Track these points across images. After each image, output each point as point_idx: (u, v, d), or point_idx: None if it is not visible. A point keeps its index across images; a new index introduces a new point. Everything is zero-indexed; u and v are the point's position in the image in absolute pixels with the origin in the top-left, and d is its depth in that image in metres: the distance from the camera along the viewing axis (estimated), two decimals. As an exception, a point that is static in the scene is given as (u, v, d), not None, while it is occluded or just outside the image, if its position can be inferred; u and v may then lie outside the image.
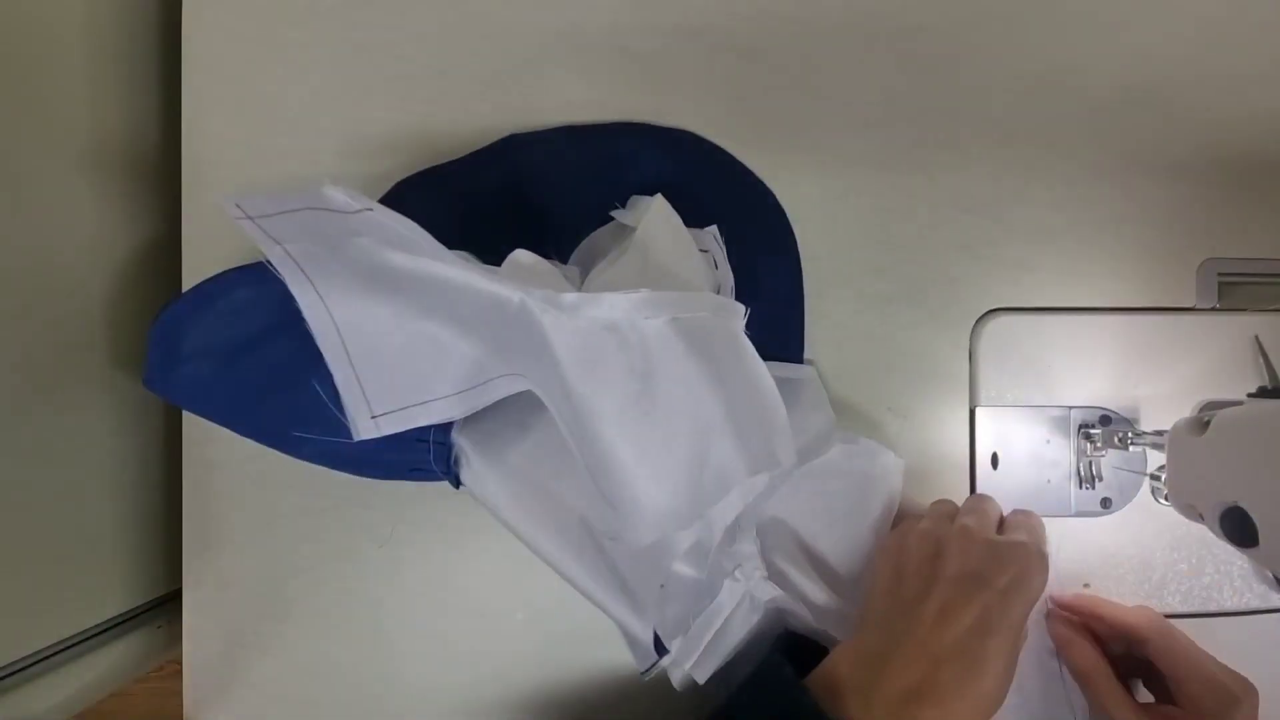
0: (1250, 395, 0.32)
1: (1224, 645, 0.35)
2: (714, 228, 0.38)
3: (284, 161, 0.40)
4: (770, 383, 0.33)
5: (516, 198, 0.39)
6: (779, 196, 0.40)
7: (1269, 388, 0.33)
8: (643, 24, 0.41)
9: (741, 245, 0.39)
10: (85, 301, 0.39)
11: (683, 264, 0.35)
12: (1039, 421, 0.40)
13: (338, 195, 0.26)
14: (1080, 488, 0.40)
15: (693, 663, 0.36)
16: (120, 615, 0.40)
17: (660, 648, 0.36)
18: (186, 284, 0.40)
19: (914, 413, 0.41)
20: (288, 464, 0.36)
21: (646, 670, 0.36)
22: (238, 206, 0.27)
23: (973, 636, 0.30)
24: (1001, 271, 0.41)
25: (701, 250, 0.37)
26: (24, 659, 0.34)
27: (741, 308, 0.33)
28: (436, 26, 0.41)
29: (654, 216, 0.35)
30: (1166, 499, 0.37)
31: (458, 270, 0.29)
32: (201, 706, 0.39)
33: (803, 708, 0.29)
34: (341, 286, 0.29)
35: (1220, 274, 0.41)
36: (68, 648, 0.37)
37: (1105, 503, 0.40)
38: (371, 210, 0.27)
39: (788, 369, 0.39)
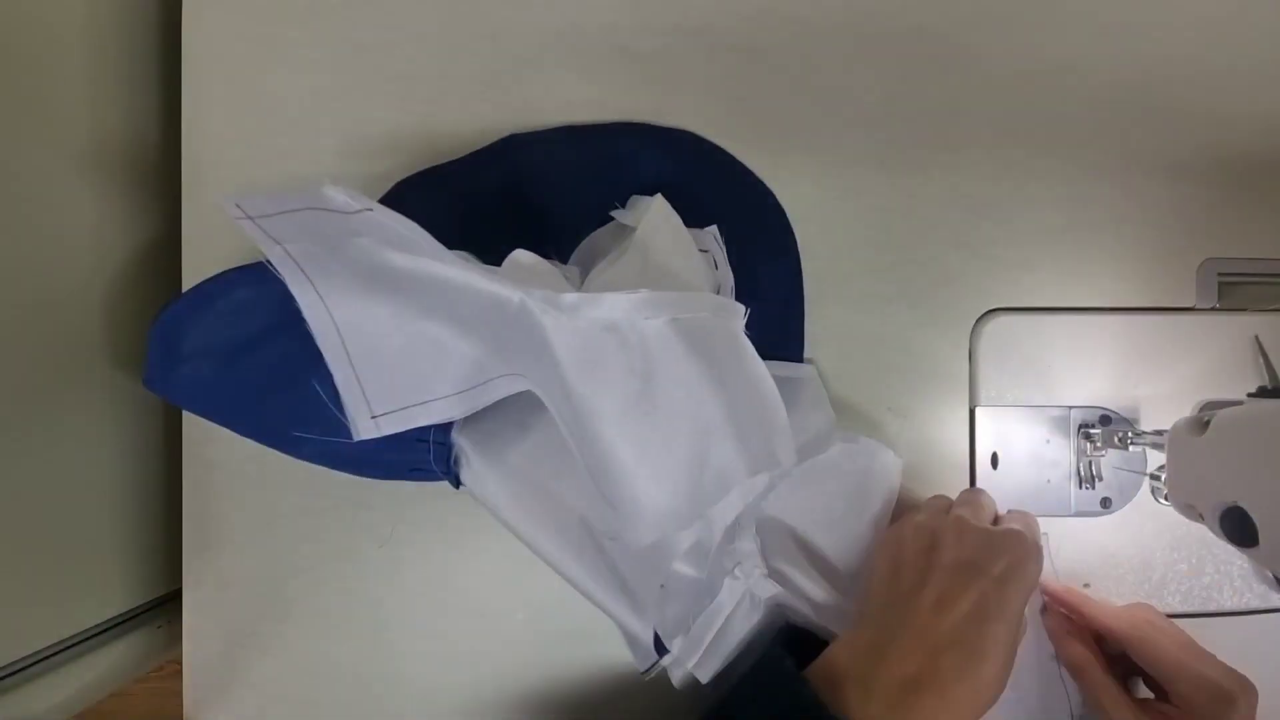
0: (1250, 395, 0.32)
1: (1224, 645, 0.35)
2: (714, 228, 0.38)
3: (284, 161, 0.40)
4: (770, 383, 0.33)
5: (516, 198, 0.39)
6: (779, 196, 0.40)
7: (1269, 388, 0.33)
8: (643, 24, 0.41)
9: (741, 245, 0.39)
10: (85, 301, 0.39)
11: (683, 264, 0.35)
12: (1039, 421, 0.40)
13: (338, 195, 0.26)
14: (1080, 488, 0.40)
15: (695, 662, 0.36)
16: (120, 615, 0.40)
17: (660, 647, 0.36)
18: (186, 284, 0.40)
19: (914, 413, 0.41)
20: (288, 464, 0.36)
21: (647, 670, 0.36)
22: (238, 206, 0.27)
23: (970, 624, 0.30)
24: (1001, 271, 0.41)
25: (701, 250, 0.37)
26: (24, 659, 0.34)
27: (741, 308, 0.33)
28: (436, 26, 0.41)
29: (654, 216, 0.35)
30: (1166, 499, 0.37)
31: (458, 270, 0.29)
32: (201, 706, 0.39)
33: (803, 700, 0.29)
34: (341, 286, 0.29)
35: (1220, 274, 0.41)
36: (68, 648, 0.37)
37: (1105, 503, 0.40)
38: (371, 210, 0.27)
39: (788, 368, 0.39)
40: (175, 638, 0.40)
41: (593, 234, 0.38)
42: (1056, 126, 0.41)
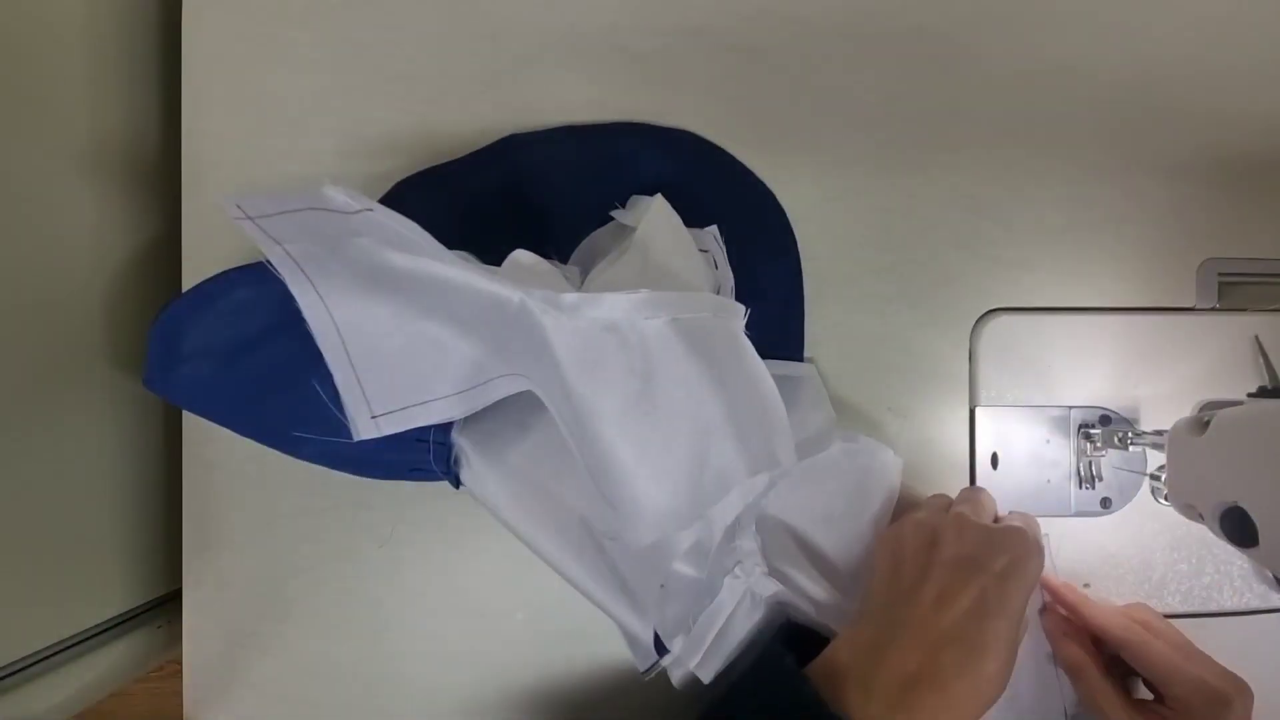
0: (1250, 395, 0.32)
1: (1224, 645, 0.35)
2: (714, 228, 0.38)
3: (284, 161, 0.40)
4: (770, 383, 0.33)
5: (516, 198, 0.39)
6: (779, 196, 0.40)
7: (1269, 388, 0.33)
8: (643, 24, 0.41)
9: (741, 245, 0.39)
10: (85, 301, 0.39)
11: (683, 264, 0.35)
12: (1039, 421, 0.40)
13: (338, 195, 0.26)
14: (1080, 488, 0.40)
15: (697, 662, 0.36)
16: (120, 615, 0.40)
17: (660, 647, 0.36)
18: (186, 284, 0.40)
19: (914, 413, 0.41)
20: (288, 464, 0.36)
21: (647, 670, 0.36)
22: (238, 206, 0.27)
23: (971, 620, 0.30)
24: (1001, 271, 0.41)
25: (701, 250, 0.37)
26: (24, 659, 0.34)
27: (741, 308, 0.33)
28: (436, 26, 0.41)
29: (654, 216, 0.35)
30: (1166, 499, 0.37)
31: (458, 270, 0.29)
32: (201, 706, 0.39)
33: (803, 697, 0.29)
34: (341, 287, 0.29)
35: (1220, 274, 0.41)
36: (68, 648, 0.37)
37: (1105, 503, 0.40)
38: (371, 210, 0.27)
39: (788, 367, 0.39)
40: (175, 638, 0.40)
41: (593, 234, 0.38)
42: (1056, 126, 0.41)
